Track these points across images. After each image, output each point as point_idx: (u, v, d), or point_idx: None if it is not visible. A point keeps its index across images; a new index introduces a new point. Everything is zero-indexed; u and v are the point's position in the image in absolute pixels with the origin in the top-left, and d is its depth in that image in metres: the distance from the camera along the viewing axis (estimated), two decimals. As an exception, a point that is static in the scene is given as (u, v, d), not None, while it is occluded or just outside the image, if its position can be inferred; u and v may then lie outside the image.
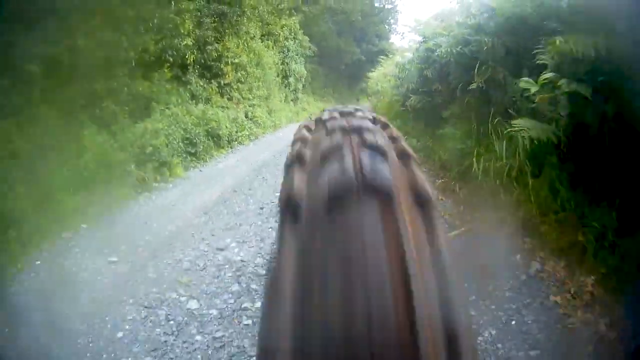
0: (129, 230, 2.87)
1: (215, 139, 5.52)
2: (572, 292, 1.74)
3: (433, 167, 3.69)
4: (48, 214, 2.81)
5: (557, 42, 1.81)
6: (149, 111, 4.70)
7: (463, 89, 3.06)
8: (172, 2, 5.36)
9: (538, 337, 1.63)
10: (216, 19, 6.94)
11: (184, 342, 1.71)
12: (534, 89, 2.00)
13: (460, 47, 3.11)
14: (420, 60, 4.32)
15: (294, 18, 13.90)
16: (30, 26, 3.38)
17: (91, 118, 3.92)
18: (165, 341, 1.71)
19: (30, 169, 2.98)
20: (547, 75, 1.88)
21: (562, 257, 1.95)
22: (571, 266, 1.87)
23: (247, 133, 6.82)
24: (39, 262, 2.39)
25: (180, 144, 4.66)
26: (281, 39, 12.61)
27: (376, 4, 22.78)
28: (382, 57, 9.43)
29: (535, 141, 2.02)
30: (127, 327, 1.80)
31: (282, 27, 12.85)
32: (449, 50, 3.25)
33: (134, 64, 4.48)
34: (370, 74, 10.92)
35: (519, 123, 2.01)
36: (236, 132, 6.32)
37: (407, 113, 4.83)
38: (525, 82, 2.08)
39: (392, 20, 23.12)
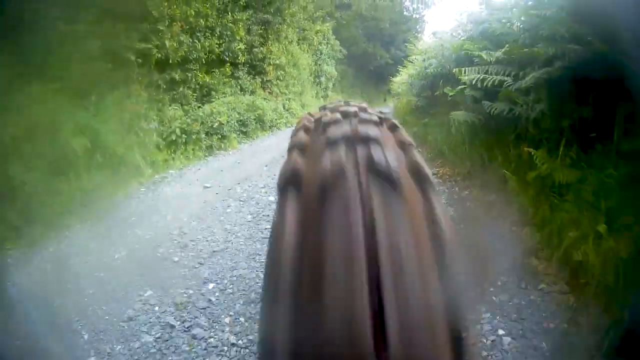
0: (213, 174, 4.26)
1: (261, 123, 6.91)
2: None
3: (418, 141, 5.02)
4: (149, 160, 4.23)
5: (462, 71, 3.11)
6: (209, 97, 6.13)
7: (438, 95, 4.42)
8: (229, 13, 6.79)
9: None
10: (262, 27, 8.35)
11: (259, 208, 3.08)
12: (451, 93, 3.42)
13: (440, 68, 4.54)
14: (419, 73, 5.69)
15: (327, 25, 15.18)
16: (131, 26, 4.75)
17: (171, 99, 5.37)
18: (252, 211, 3.09)
19: (133, 129, 4.36)
20: (461, 86, 3.23)
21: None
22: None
23: (284, 121, 8.17)
24: (144, 189, 3.82)
25: (235, 124, 6.06)
26: (315, 43, 13.91)
27: (405, 13, 23.86)
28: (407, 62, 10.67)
29: (463, 122, 3.32)
30: (233, 206, 3.20)
31: (316, 33, 14.13)
32: (437, 69, 4.64)
33: (203, 62, 5.93)
34: (393, 79, 12.16)
35: (454, 114, 3.34)
36: (276, 119, 7.70)
37: (414, 111, 6.16)
38: (448, 89, 3.48)
39: (419, 29, 24.11)
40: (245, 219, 2.98)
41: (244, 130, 6.25)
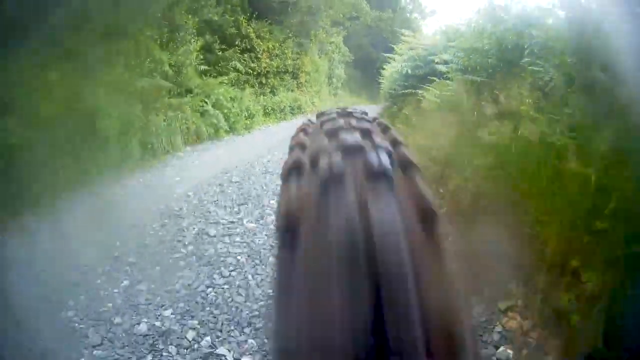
0: (280, 126, 9.28)
1: (298, 109, 11.94)
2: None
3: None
4: (258, 120, 9.24)
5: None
6: (276, 92, 11.18)
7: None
8: (285, 44, 11.81)
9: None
10: (299, 49, 13.36)
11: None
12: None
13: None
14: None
15: (339, 36, 20.17)
16: (245, 56, 9.81)
17: (262, 92, 10.40)
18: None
19: (245, 104, 9.36)
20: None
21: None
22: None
23: (310, 109, 13.20)
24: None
25: (288, 107, 11.11)
26: (329, 52, 18.91)
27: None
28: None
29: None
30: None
31: (330, 43, 19.11)
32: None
33: (275, 72, 11.02)
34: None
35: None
36: (306, 107, 12.75)
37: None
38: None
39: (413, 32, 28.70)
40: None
41: (292, 112, 11.31)
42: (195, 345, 1.74)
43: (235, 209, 3.42)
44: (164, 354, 1.68)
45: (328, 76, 19.10)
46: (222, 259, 2.48)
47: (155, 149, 4.98)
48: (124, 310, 1.94)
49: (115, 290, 2.11)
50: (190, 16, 7.10)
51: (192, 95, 6.49)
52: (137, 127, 4.68)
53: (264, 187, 4.12)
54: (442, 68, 3.96)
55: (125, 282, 2.19)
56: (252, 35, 9.76)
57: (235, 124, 7.55)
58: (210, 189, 3.98)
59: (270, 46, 10.55)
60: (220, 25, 8.54)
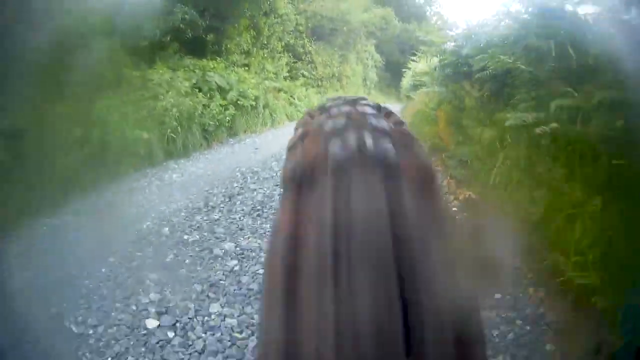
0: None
1: None
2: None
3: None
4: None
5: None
6: (326, 92, 15.39)
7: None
8: (335, 54, 16.01)
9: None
10: (341, 59, 17.55)
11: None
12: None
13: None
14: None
15: (372, 46, 24.27)
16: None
17: (313, 89, 14.65)
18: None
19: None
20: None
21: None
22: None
23: None
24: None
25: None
26: (364, 59, 23.04)
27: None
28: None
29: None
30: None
31: (365, 52, 23.22)
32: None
33: (325, 79, 15.27)
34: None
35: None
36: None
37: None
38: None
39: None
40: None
41: None
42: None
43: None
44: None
45: (363, 78, 23.23)
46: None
47: (273, 121, 9.21)
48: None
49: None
50: (279, 42, 11.46)
51: (284, 92, 10.78)
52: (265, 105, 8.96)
53: None
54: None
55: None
56: (312, 52, 14.08)
57: (307, 112, 11.87)
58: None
59: (324, 59, 14.81)
60: (294, 45, 12.86)
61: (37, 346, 1.82)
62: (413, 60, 10.25)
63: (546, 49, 2.41)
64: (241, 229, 3.11)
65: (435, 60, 5.39)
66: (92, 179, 3.68)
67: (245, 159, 5.33)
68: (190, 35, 6.98)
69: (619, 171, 1.87)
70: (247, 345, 1.89)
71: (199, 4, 7.12)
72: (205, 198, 3.76)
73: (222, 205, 3.60)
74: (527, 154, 2.65)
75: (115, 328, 1.99)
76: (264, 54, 10.29)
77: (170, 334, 1.98)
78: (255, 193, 3.92)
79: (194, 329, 2.01)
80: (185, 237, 2.99)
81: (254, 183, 4.23)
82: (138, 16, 5.44)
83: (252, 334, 1.96)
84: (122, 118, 4.41)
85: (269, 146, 6.24)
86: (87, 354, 1.83)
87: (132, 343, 1.91)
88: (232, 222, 3.24)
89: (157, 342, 1.92)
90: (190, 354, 1.85)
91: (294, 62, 12.83)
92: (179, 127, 5.21)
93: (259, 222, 3.24)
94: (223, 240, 2.92)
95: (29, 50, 3.33)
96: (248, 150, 6.06)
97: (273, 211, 3.45)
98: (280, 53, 11.52)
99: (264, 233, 2.96)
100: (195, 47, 7.29)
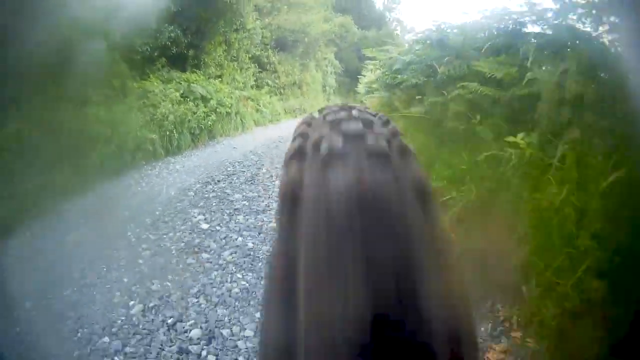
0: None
1: (303, 110, 17.58)
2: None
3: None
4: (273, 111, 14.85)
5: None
6: (288, 99, 16.80)
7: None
8: (296, 63, 17.46)
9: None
10: (302, 68, 19.03)
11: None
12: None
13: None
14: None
15: (331, 54, 25.83)
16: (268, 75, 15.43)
17: (280, 98, 16.03)
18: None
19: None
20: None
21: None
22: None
23: (310, 110, 18.79)
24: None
25: (297, 109, 16.77)
26: (323, 66, 24.60)
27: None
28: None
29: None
30: (272, 135, 13.90)
31: (324, 59, 24.76)
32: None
33: (287, 87, 16.70)
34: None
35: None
36: (307, 109, 18.39)
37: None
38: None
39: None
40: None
41: (300, 112, 16.97)
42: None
43: (274, 141, 8.83)
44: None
45: (322, 85, 24.75)
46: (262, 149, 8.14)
47: (243, 126, 10.52)
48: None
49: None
50: (246, 54, 12.79)
51: (252, 100, 12.09)
52: (237, 112, 10.28)
53: (285, 137, 9.49)
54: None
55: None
56: (276, 62, 15.48)
57: (273, 117, 13.21)
58: (266, 138, 9.53)
59: (286, 69, 16.23)
60: (259, 57, 14.22)
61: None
62: (366, 68, 11.51)
63: (432, 69, 4.01)
64: (242, 189, 4.77)
65: (379, 72, 6.84)
66: (116, 168, 4.97)
67: (228, 155, 6.72)
68: (174, 51, 8.27)
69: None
70: (256, 226, 3.64)
71: (183, 24, 8.42)
72: (210, 177, 5.22)
73: (224, 180, 5.14)
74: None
75: (182, 229, 3.57)
76: (234, 65, 11.60)
77: (216, 228, 3.61)
78: (245, 172, 5.57)
79: (228, 225, 3.67)
80: (206, 195, 4.54)
81: (242, 168, 5.78)
82: (133, 34, 6.68)
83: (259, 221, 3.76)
84: (133, 121, 5.68)
85: (245, 145, 7.84)
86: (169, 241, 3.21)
87: (191, 233, 3.47)
88: (235, 186, 4.86)
89: (203, 231, 3.49)
90: (224, 238, 3.39)
91: (259, 72, 14.17)
92: (174, 130, 6.50)
93: (252, 186, 4.92)
94: (232, 195, 4.55)
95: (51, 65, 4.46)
96: (228, 149, 7.45)
97: (261, 180, 5.17)
98: (247, 64, 12.85)
99: (258, 190, 4.68)
100: (178, 61, 8.58)
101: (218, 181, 5.04)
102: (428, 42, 4.48)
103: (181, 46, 8.49)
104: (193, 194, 4.55)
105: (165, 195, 4.48)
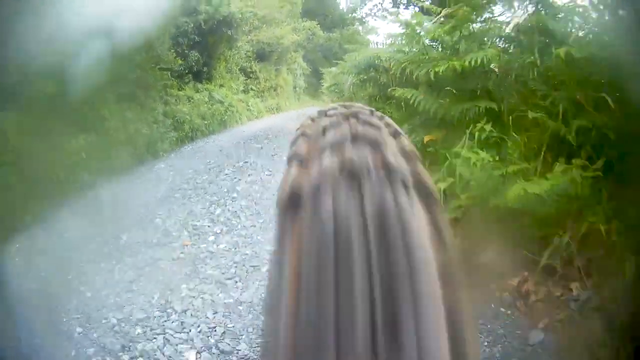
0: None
1: (279, 109, 21.70)
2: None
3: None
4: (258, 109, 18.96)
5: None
6: (267, 100, 20.91)
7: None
8: (271, 69, 21.57)
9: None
10: (276, 73, 23.11)
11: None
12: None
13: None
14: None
15: (300, 57, 29.91)
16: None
17: (258, 99, 20.10)
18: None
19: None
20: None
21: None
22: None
23: (284, 109, 22.97)
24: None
25: (274, 107, 20.90)
26: (293, 69, 28.68)
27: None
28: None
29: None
30: (262, 125, 18.10)
31: (294, 62, 28.84)
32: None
33: (266, 91, 20.86)
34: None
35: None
36: (282, 108, 22.53)
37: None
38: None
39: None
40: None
41: (276, 110, 21.09)
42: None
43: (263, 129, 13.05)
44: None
45: (293, 86, 28.80)
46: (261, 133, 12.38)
47: (241, 120, 14.61)
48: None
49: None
50: (236, 66, 16.91)
51: (243, 102, 16.19)
52: (236, 111, 14.38)
53: (268, 126, 13.67)
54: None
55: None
56: (257, 70, 19.65)
57: (258, 114, 17.39)
58: (257, 127, 13.70)
59: (264, 75, 20.38)
60: (245, 68, 18.35)
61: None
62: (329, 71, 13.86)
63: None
64: (251, 158, 8.72)
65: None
66: (183, 139, 9.18)
67: (240, 136, 10.94)
68: (196, 69, 12.38)
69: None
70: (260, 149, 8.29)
71: (201, 49, 12.55)
72: (242, 139, 9.57)
73: (250, 141, 9.45)
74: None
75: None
76: (229, 76, 15.72)
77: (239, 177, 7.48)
78: (256, 138, 9.79)
79: (247, 172, 7.39)
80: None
81: (254, 138, 10.00)
82: (172, 57, 10.81)
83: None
84: (188, 115, 9.88)
85: (249, 131, 11.97)
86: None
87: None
88: (255, 141, 9.22)
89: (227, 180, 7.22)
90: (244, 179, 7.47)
91: (245, 80, 18.21)
92: (213, 120, 10.73)
93: (259, 143, 9.21)
94: (256, 144, 8.91)
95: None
96: (246, 130, 11.79)
97: (263, 140, 9.30)
98: (237, 74, 16.98)
99: (263, 142, 9.14)
100: (197, 76, 12.67)
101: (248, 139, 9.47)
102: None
103: (199, 65, 12.60)
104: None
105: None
